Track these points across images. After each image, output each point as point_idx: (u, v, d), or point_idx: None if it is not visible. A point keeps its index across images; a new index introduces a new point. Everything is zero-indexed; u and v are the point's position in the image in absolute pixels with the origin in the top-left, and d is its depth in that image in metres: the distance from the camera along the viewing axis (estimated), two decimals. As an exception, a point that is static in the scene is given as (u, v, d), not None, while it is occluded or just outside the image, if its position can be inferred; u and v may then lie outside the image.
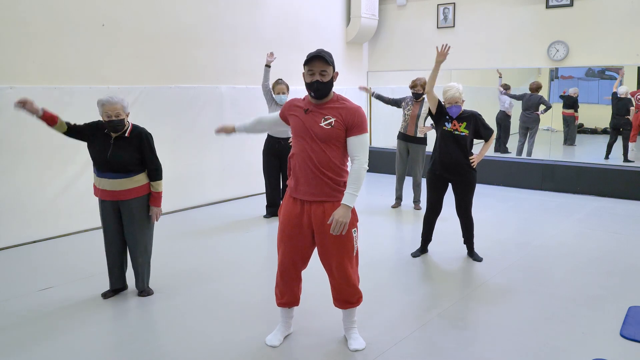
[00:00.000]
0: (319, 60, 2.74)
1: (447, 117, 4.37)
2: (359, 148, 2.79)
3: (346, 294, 2.98)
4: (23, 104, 3.34)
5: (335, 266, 2.89)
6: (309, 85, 2.78)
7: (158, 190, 3.69)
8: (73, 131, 3.54)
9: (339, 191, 2.83)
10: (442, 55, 4.18)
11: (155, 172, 3.67)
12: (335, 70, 2.84)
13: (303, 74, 2.82)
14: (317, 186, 2.80)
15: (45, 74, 5.08)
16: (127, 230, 3.67)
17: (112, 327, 3.37)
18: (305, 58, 2.78)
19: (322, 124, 2.77)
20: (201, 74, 6.50)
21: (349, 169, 2.86)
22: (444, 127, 4.39)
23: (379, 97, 6.57)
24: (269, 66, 5.72)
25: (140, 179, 3.63)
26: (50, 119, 3.43)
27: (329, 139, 2.77)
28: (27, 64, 4.96)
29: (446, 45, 4.16)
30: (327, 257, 2.90)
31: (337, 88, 2.86)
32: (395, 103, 6.46)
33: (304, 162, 2.80)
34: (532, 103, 8.45)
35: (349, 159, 2.89)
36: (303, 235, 2.89)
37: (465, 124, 4.34)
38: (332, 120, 2.78)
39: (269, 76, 5.71)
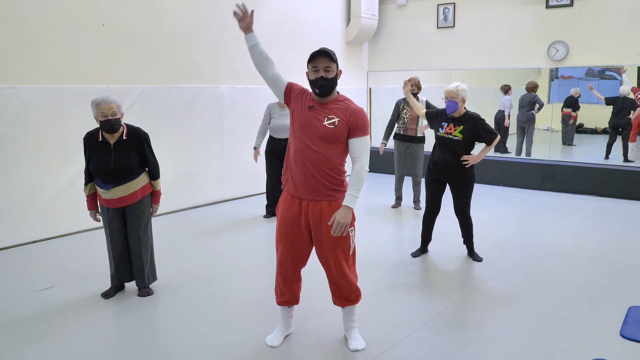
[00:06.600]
0: (323, 57, 2.74)
1: (441, 122, 4.39)
2: (361, 150, 2.79)
3: (344, 292, 2.98)
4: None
5: (332, 264, 2.90)
6: (313, 82, 2.77)
7: (158, 188, 3.79)
8: (92, 175, 3.65)
9: (337, 190, 2.83)
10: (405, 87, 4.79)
11: (156, 171, 3.74)
12: (339, 68, 2.84)
13: (307, 72, 2.81)
14: (315, 185, 2.79)
15: (46, 74, 5.08)
16: (131, 230, 3.69)
17: (112, 327, 3.37)
18: (307, 57, 2.78)
19: (325, 123, 2.76)
20: (201, 74, 6.49)
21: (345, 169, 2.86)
22: (437, 133, 4.41)
23: (390, 133, 6.39)
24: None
25: (143, 179, 3.67)
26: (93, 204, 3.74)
27: (331, 138, 2.77)
28: (27, 64, 4.95)
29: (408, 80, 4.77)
30: (324, 256, 2.90)
31: (337, 88, 2.86)
32: (397, 115, 6.33)
33: (303, 159, 2.79)
34: (526, 102, 8.50)
35: (346, 159, 2.89)
36: (301, 234, 2.89)
37: (461, 127, 4.30)
38: (336, 120, 2.77)
39: None
